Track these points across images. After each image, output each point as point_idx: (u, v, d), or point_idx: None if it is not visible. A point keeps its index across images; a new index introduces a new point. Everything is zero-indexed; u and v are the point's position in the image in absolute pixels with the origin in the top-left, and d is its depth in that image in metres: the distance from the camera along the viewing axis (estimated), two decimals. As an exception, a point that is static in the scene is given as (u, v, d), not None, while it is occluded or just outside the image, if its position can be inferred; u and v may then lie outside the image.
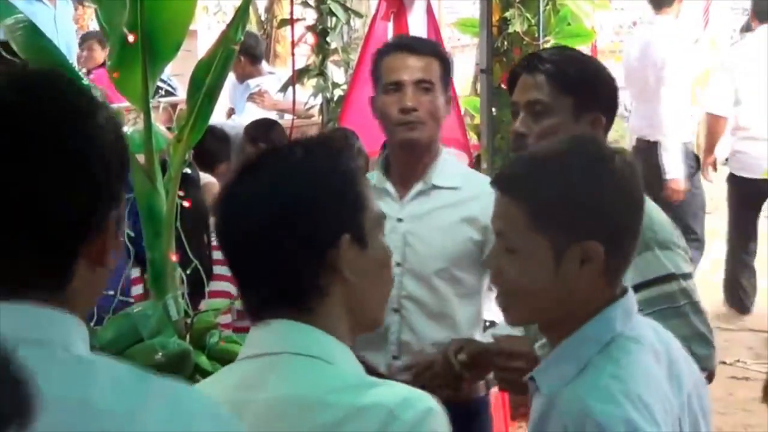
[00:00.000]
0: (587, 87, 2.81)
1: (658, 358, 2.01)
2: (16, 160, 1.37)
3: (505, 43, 5.69)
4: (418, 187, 3.22)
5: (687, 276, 2.73)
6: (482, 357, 2.98)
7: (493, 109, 5.52)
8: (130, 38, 2.43)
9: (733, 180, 7.11)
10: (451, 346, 2.98)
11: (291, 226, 1.71)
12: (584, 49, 6.45)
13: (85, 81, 2.63)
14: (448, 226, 3.07)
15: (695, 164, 6.98)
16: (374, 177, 3.21)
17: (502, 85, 5.64)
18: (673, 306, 2.68)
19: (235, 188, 1.77)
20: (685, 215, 6.77)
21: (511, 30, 5.69)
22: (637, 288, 2.54)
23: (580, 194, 1.98)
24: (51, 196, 1.38)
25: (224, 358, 2.56)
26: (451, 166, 3.28)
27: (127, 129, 2.57)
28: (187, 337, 2.52)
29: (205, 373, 2.51)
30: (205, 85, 2.56)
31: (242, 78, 7.90)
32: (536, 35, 5.63)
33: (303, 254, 1.72)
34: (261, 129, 6.16)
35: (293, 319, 1.74)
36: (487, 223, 3.13)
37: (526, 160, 2.11)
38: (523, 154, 2.20)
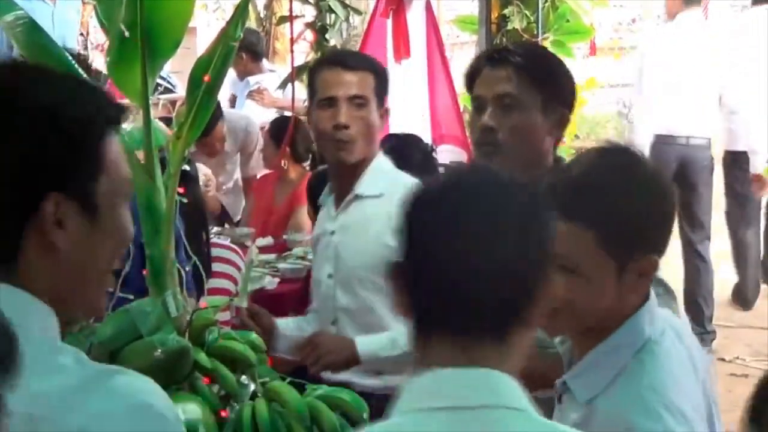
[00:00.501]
0: (554, 82, 2.81)
1: (679, 355, 2.04)
2: None
3: (504, 40, 5.69)
4: (349, 197, 3.27)
5: None
6: None
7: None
8: (129, 35, 2.43)
9: None
10: None
11: None
12: (583, 46, 6.47)
13: (85, 76, 2.61)
14: (374, 236, 3.05)
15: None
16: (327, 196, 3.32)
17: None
18: None
19: None
20: (702, 211, 6.80)
21: (510, 27, 5.69)
22: None
23: (641, 210, 2.00)
24: None
25: (223, 355, 2.55)
26: (380, 173, 3.28)
27: (126, 126, 2.56)
28: (186, 334, 2.51)
29: (204, 370, 2.51)
30: (204, 82, 2.55)
31: (243, 75, 7.90)
32: (535, 32, 5.64)
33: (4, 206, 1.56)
34: (283, 126, 6.17)
35: None
36: None
37: (576, 183, 2.06)
38: (563, 176, 2.12)
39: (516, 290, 1.61)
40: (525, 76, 2.76)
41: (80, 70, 2.59)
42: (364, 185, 3.22)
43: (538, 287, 1.62)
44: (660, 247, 2.04)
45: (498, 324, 1.62)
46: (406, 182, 3.26)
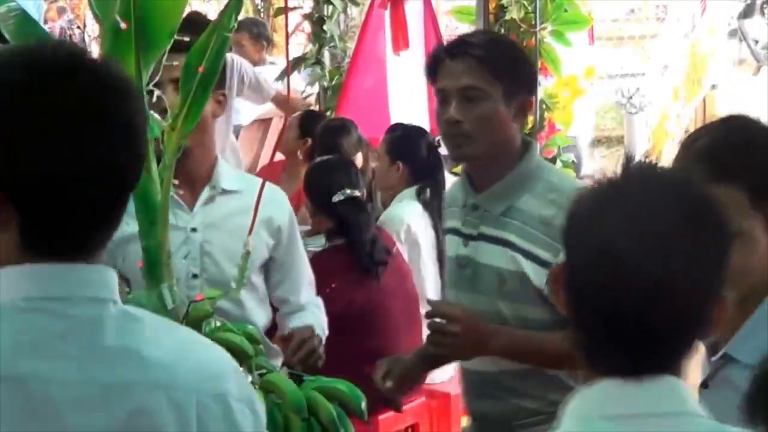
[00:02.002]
0: (516, 70, 2.90)
1: None
2: None
3: (502, 30, 5.67)
4: (206, 193, 3.17)
5: None
6: (410, 372, 3.05)
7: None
8: (123, 26, 2.41)
9: None
10: (378, 371, 3.02)
11: None
12: (581, 35, 6.46)
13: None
14: (241, 232, 2.93)
15: None
16: None
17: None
18: None
19: None
20: None
21: (508, 17, 5.68)
22: None
23: None
24: None
25: (222, 347, 2.54)
26: (230, 169, 3.29)
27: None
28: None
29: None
30: (198, 73, 2.54)
31: (255, 64, 7.84)
32: (533, 22, 5.63)
33: None
34: (315, 120, 6.07)
35: None
36: (281, 224, 3.22)
37: (731, 143, 2.16)
38: (702, 142, 2.17)
39: (692, 304, 1.56)
40: (485, 67, 2.83)
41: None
42: (225, 180, 3.21)
43: (715, 298, 1.59)
44: None
45: (671, 340, 1.58)
46: (253, 179, 3.38)
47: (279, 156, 6.11)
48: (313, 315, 3.33)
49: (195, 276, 3.09)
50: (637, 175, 1.62)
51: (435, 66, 2.91)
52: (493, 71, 2.83)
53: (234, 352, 2.55)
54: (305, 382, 2.64)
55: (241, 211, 3.02)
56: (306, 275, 3.41)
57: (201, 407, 1.55)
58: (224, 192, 3.16)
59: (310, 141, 5.87)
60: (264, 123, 7.52)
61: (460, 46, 2.90)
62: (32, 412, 1.47)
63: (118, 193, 1.57)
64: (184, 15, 2.61)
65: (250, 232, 2.82)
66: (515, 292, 2.86)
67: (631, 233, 1.54)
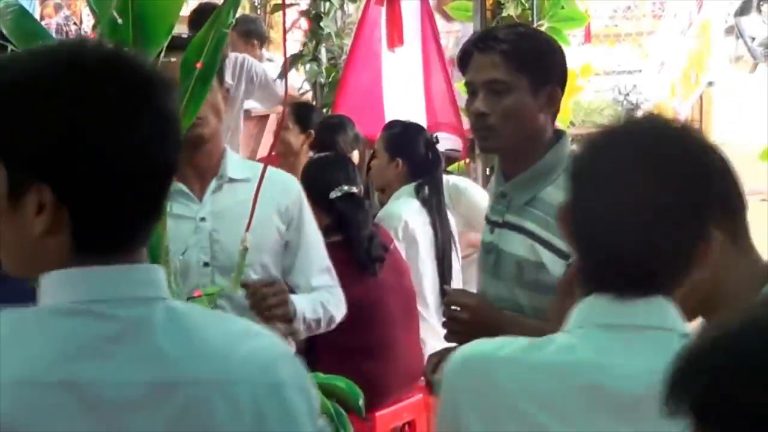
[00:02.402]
0: (541, 62, 2.95)
1: None
2: None
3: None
4: (214, 183, 3.21)
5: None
6: None
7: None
8: (120, 21, 2.41)
9: None
10: (427, 365, 3.05)
11: None
12: (578, 32, 6.46)
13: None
14: (255, 218, 2.97)
15: None
16: None
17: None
18: None
19: None
20: None
21: (504, 14, 5.69)
22: None
23: None
24: None
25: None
26: (237, 158, 3.32)
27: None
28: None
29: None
30: (197, 69, 2.54)
31: None
32: (530, 19, 5.63)
33: None
34: (306, 113, 6.06)
35: None
36: (289, 207, 3.27)
37: None
38: None
39: (676, 238, 1.76)
40: (512, 61, 2.89)
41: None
42: (233, 169, 3.23)
43: (700, 235, 1.76)
44: None
45: (660, 269, 1.77)
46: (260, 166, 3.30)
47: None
48: (313, 295, 3.30)
49: (206, 264, 3.10)
50: (631, 124, 1.86)
51: (465, 59, 2.99)
52: (517, 64, 2.89)
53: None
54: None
55: (249, 199, 3.03)
56: (319, 260, 3.39)
57: (256, 399, 1.55)
58: (231, 181, 3.19)
59: (312, 132, 5.86)
60: (261, 120, 7.52)
61: (487, 40, 2.96)
62: (86, 415, 1.46)
63: (163, 183, 1.56)
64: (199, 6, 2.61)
65: (247, 228, 2.82)
66: (532, 281, 2.89)
67: (621, 175, 1.75)
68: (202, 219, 3.15)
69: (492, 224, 3.02)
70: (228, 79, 5.91)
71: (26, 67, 1.54)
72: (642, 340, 1.75)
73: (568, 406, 1.76)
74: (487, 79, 2.90)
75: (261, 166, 3.15)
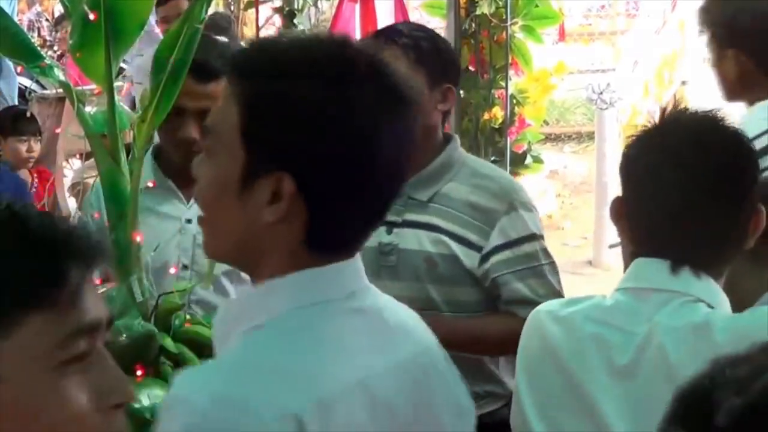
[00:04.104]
0: (438, 58, 3.01)
1: None
2: None
3: (473, 25, 5.68)
4: None
5: (543, 237, 2.95)
6: None
7: (461, 92, 5.50)
8: (92, 17, 2.40)
9: None
10: None
11: None
12: (552, 30, 6.47)
13: (49, 61, 2.59)
14: None
15: None
16: (150, 174, 3.06)
17: (470, 68, 5.62)
18: (533, 265, 2.88)
19: None
20: None
21: (479, 12, 5.68)
22: (502, 248, 2.69)
23: None
24: None
25: (190, 340, 2.53)
26: None
27: (90, 109, 2.54)
28: (152, 318, 2.49)
29: (171, 356, 2.49)
30: (169, 65, 2.52)
31: None
32: (504, 17, 5.62)
33: None
34: None
35: None
36: None
37: None
38: None
39: (721, 219, 1.94)
40: (411, 54, 2.93)
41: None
42: None
43: (745, 213, 1.95)
44: None
45: (703, 250, 1.95)
46: None
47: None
48: None
49: (185, 267, 3.07)
50: (673, 118, 2.02)
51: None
52: (416, 57, 2.92)
53: (204, 345, 2.54)
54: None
55: None
56: None
57: (440, 369, 1.68)
58: None
59: None
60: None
61: (389, 34, 3.01)
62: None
63: (396, 188, 1.59)
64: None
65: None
66: (446, 275, 2.91)
67: (666, 166, 1.93)
68: (188, 221, 3.11)
69: (388, 224, 2.98)
70: None
71: (299, 55, 1.53)
72: (657, 301, 1.93)
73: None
74: None
75: None
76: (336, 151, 1.48)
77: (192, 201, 3.13)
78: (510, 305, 2.88)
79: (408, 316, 1.70)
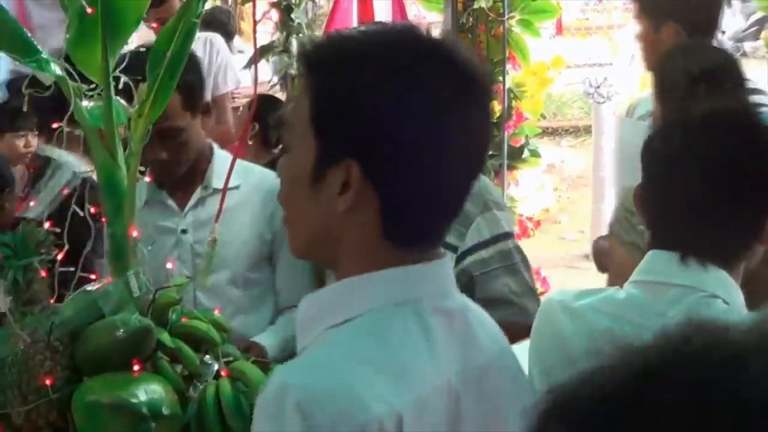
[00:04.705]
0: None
1: None
2: None
3: (470, 19, 5.66)
4: (198, 193, 3.12)
5: (514, 234, 2.97)
6: None
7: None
8: (89, 11, 2.39)
9: None
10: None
11: None
12: (549, 24, 6.46)
13: (45, 56, 2.58)
14: (238, 229, 2.95)
15: None
16: (143, 189, 3.04)
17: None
18: (508, 264, 2.87)
19: None
20: None
21: (476, 6, 5.67)
22: (478, 247, 2.69)
23: None
24: None
25: (187, 335, 2.53)
26: (226, 164, 3.05)
27: (87, 103, 2.54)
28: (149, 313, 2.49)
29: (168, 350, 2.49)
30: (166, 59, 2.52)
31: None
32: (501, 11, 5.61)
33: None
34: (267, 106, 5.99)
35: None
36: (273, 213, 3.07)
37: None
38: None
39: (740, 212, 1.96)
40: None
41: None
42: (218, 179, 3.11)
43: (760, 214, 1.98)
44: None
45: (721, 243, 1.99)
46: (255, 169, 3.29)
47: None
48: (282, 326, 3.13)
49: (188, 278, 3.02)
50: (690, 113, 2.07)
51: None
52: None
53: (201, 340, 2.54)
54: (273, 371, 2.63)
55: (234, 207, 2.99)
56: (303, 277, 3.13)
57: (514, 378, 1.69)
58: (216, 192, 3.07)
59: (257, 126, 5.78)
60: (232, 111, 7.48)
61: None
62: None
63: (473, 179, 1.57)
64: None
65: (216, 219, 2.81)
66: None
67: (683, 158, 1.97)
68: (183, 231, 3.10)
69: None
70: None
71: (365, 43, 1.54)
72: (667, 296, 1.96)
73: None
74: None
75: (251, 167, 3.12)
76: (398, 137, 1.47)
77: (187, 209, 3.11)
78: (486, 305, 2.86)
79: (487, 319, 1.71)
